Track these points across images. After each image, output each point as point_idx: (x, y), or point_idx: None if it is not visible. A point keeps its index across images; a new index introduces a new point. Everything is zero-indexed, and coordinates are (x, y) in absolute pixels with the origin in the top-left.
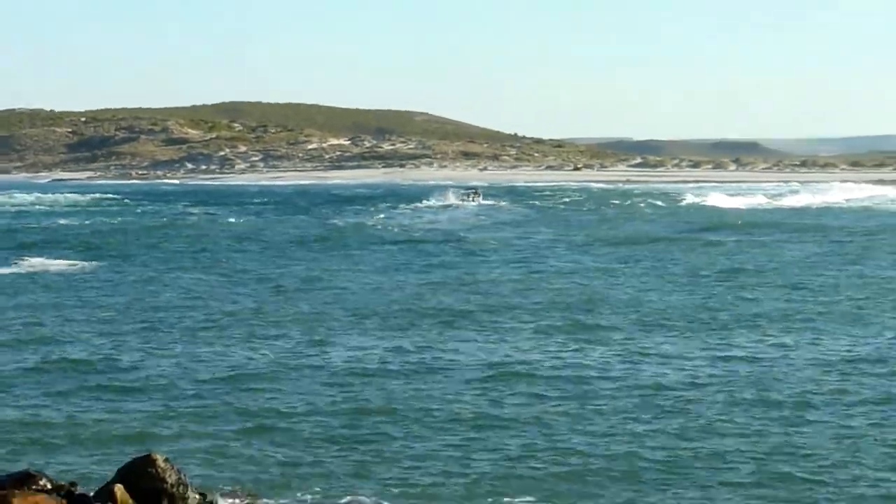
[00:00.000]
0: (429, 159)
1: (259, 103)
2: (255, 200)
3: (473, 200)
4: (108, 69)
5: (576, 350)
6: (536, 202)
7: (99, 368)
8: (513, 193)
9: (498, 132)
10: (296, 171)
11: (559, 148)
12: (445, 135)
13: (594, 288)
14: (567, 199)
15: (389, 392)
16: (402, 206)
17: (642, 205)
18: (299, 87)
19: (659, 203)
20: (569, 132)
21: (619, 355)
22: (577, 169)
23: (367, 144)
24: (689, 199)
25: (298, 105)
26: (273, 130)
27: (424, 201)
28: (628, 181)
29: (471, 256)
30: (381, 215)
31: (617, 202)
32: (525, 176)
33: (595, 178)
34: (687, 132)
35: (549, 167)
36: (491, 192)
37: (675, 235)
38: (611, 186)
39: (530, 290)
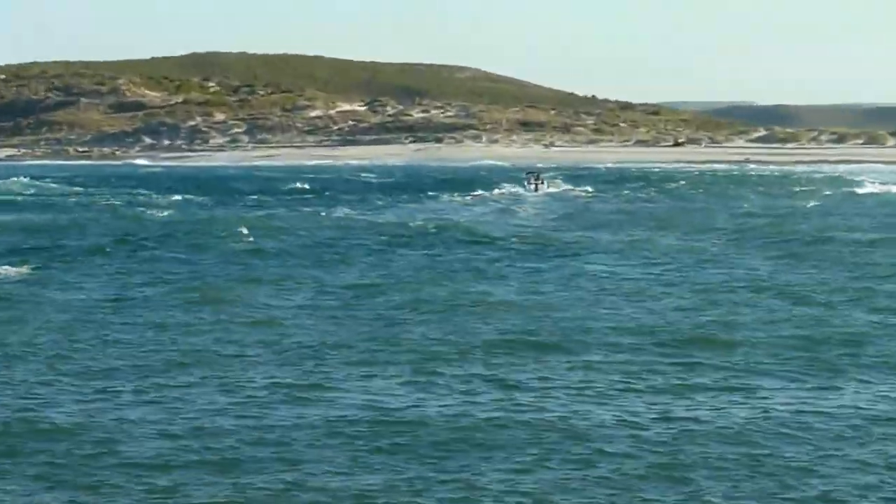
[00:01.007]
0: (475, 131)
1: (243, 55)
2: (246, 189)
3: (534, 187)
4: (36, 10)
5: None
6: (629, 190)
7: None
8: (594, 178)
9: (570, 94)
10: (293, 146)
11: (654, 116)
12: (498, 97)
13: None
14: (673, 185)
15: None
16: (453, 194)
17: (797, 191)
18: (297, 34)
19: (827, 192)
20: (666, 95)
21: None
22: (677, 144)
23: (391, 111)
24: (869, 186)
25: (296, 57)
26: (262, 92)
27: (481, 191)
28: (748, 160)
29: (587, 264)
30: (439, 206)
31: (757, 188)
32: (608, 154)
33: (703, 157)
34: (828, 96)
35: (640, 142)
36: (564, 175)
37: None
38: (732, 168)
39: (738, 321)
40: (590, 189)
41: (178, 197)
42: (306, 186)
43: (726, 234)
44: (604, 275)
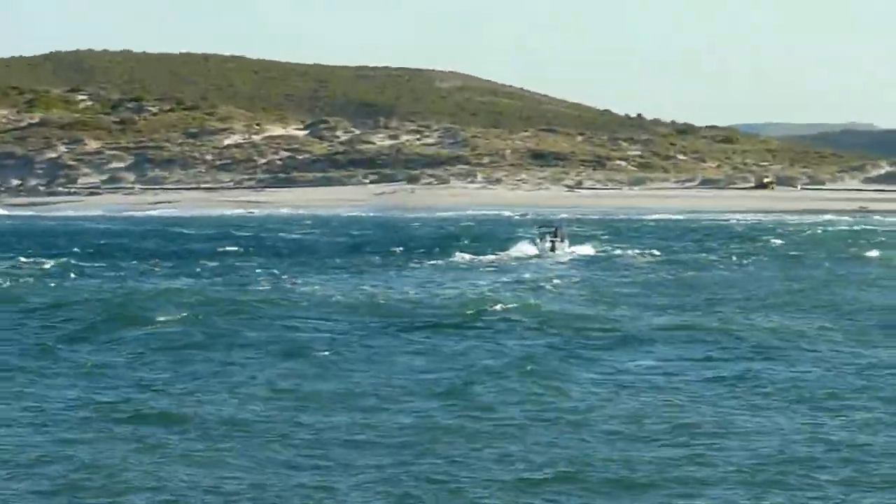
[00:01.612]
0: (466, 166)
1: (127, 55)
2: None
3: (551, 246)
4: None
5: None
6: (704, 252)
7: None
8: (640, 235)
9: (605, 113)
10: (199, 187)
11: (727, 144)
12: (499, 117)
13: None
14: (773, 244)
15: None
16: (428, 260)
17: None
18: (205, 26)
19: None
20: (744, 114)
21: None
22: (762, 185)
23: (343, 137)
24: None
25: (204, 58)
26: (154, 108)
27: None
28: (864, 210)
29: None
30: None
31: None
32: (660, 201)
33: (800, 205)
34: None
35: (707, 182)
36: (595, 230)
37: None
38: (842, 221)
39: None
40: (637, 252)
41: (23, 261)
42: (233, 248)
43: (855, 315)
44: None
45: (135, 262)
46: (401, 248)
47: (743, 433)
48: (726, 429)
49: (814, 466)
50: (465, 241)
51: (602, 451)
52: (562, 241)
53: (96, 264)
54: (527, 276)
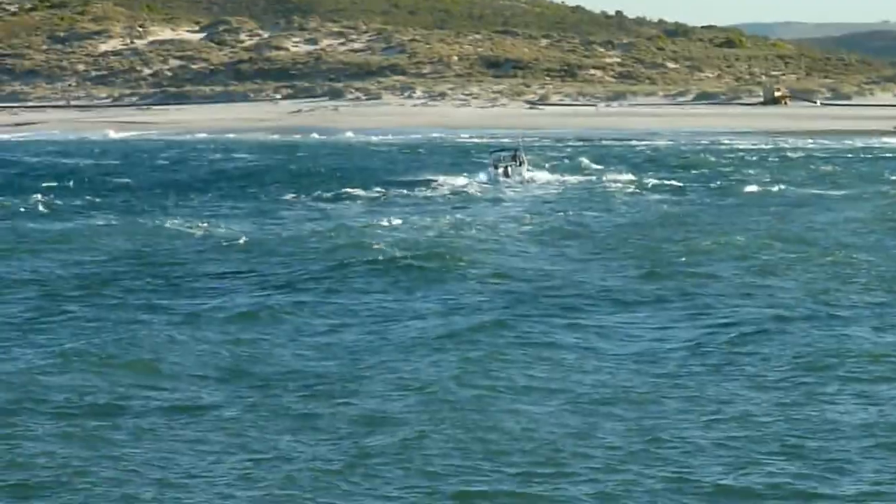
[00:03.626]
0: (403, 77)
1: None
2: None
3: (504, 172)
4: None
5: None
6: (685, 181)
7: None
8: (616, 161)
9: (577, 9)
10: (69, 106)
11: (727, 48)
12: (444, 15)
13: None
14: (770, 175)
15: None
16: (356, 193)
17: None
18: None
19: None
20: (749, 11)
21: None
22: (775, 100)
23: (248, 41)
24: None
25: None
26: (11, 6)
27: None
28: None
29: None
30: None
31: None
32: (644, 119)
33: (819, 125)
34: None
35: (704, 96)
36: (561, 153)
37: None
38: (873, 145)
39: None
40: (615, 176)
41: None
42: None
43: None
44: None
45: None
46: (321, 182)
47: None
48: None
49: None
50: (397, 171)
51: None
52: (519, 165)
53: None
54: (449, 212)
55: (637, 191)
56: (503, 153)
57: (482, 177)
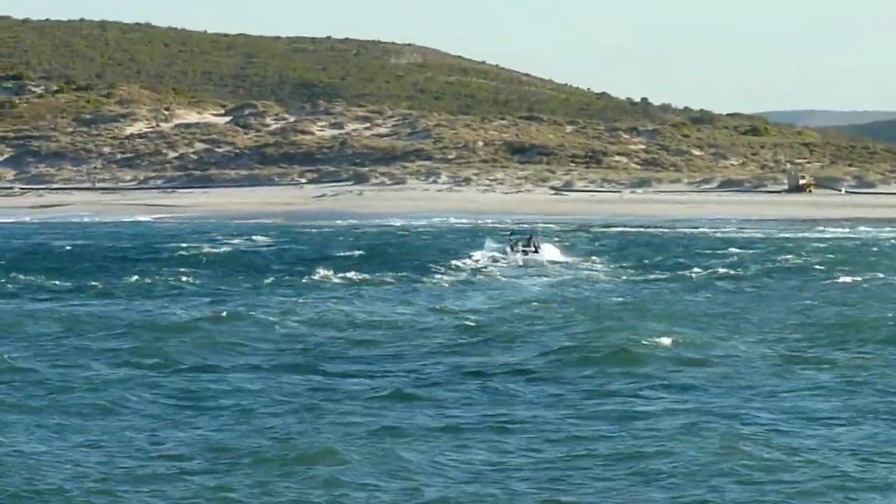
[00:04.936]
0: (427, 163)
1: (8, 21)
2: None
3: (524, 253)
4: None
5: None
6: (709, 269)
7: None
8: (637, 246)
9: (602, 96)
10: (93, 188)
11: (752, 136)
12: (469, 100)
13: None
14: (797, 262)
15: None
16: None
17: None
18: None
19: None
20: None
21: None
22: (800, 188)
23: (273, 125)
24: None
25: (101, 25)
26: (37, 88)
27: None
28: None
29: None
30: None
31: None
32: (668, 206)
33: (843, 213)
34: None
35: (729, 183)
36: (581, 238)
37: None
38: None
39: None
40: (632, 269)
41: None
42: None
43: None
44: None
45: None
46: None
47: None
48: None
49: None
50: (431, 253)
51: None
52: (535, 249)
53: None
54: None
55: (636, 277)
56: (518, 236)
57: (498, 255)
